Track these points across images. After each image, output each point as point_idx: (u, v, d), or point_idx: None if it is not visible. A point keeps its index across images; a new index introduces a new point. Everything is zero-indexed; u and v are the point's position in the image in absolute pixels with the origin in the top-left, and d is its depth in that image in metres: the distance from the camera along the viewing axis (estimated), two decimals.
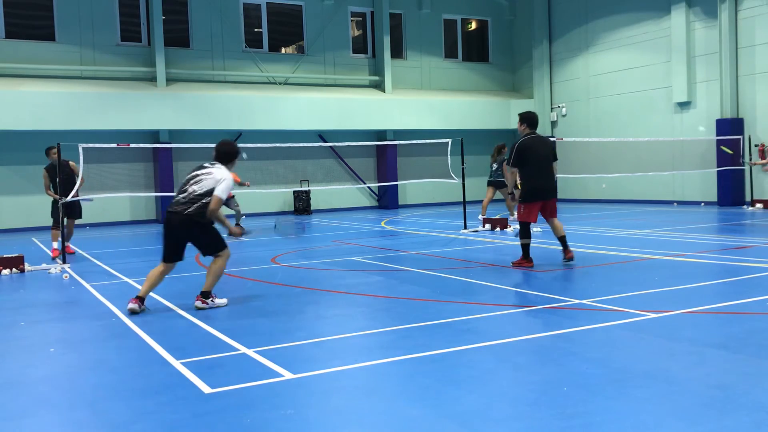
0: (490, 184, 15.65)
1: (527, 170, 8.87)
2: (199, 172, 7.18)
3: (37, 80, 18.92)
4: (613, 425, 3.52)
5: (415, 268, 9.20)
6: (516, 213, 9.45)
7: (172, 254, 7.11)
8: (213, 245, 7.12)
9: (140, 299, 6.87)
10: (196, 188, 6.98)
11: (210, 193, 6.92)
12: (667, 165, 20.11)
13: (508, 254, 10.24)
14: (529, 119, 9.06)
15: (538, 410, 3.77)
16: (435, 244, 11.93)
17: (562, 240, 8.97)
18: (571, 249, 9.04)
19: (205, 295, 6.98)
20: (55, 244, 11.74)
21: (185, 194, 7.02)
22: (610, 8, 22.08)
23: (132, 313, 6.74)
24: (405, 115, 22.86)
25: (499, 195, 16.48)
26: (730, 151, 18.01)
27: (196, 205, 6.92)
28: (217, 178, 7.00)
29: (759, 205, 17.68)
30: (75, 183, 11.74)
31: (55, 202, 11.75)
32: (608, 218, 16.32)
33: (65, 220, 11.49)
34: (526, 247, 8.95)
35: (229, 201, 14.75)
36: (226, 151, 7.34)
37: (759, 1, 18.22)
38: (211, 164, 7.28)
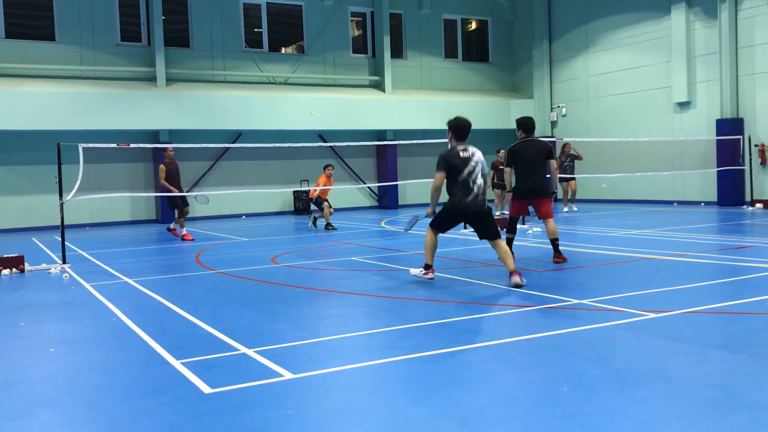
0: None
1: (517, 171, 9.46)
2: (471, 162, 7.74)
3: (37, 80, 18.92)
4: (613, 425, 3.52)
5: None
6: (505, 210, 9.93)
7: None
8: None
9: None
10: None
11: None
12: (667, 165, 20.12)
13: None
14: (523, 124, 9.55)
15: (538, 410, 3.77)
16: None
17: (554, 243, 9.31)
18: (563, 254, 9.29)
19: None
20: (184, 230, 14.51)
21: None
22: (610, 8, 22.09)
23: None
24: (405, 115, 22.86)
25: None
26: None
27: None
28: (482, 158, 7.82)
29: (759, 205, 17.68)
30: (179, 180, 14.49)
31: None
32: (608, 218, 16.31)
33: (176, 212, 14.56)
34: (509, 241, 9.39)
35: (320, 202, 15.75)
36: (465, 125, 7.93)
37: (759, 1, 18.23)
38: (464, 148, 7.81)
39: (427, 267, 8.12)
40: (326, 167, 16.19)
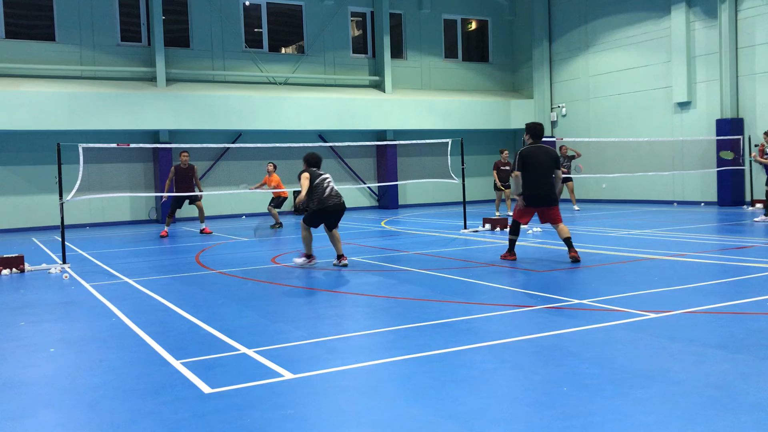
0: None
1: (526, 178, 9.45)
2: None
3: (37, 80, 18.92)
4: (613, 425, 3.52)
5: (415, 268, 9.20)
6: (510, 211, 9.98)
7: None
8: None
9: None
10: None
11: None
12: (667, 165, 20.12)
13: None
14: (532, 130, 9.64)
15: (538, 410, 3.77)
16: (435, 244, 11.93)
17: (567, 241, 9.34)
18: (576, 250, 9.28)
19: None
20: (167, 228, 15.58)
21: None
22: (610, 8, 22.09)
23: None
24: (405, 115, 22.86)
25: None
26: (730, 156, 17.90)
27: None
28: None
29: (759, 205, 17.67)
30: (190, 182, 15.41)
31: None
32: (608, 218, 16.31)
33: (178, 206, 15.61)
34: (512, 243, 9.68)
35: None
36: None
37: (759, 1, 18.23)
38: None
39: (309, 256, 9.90)
40: (268, 165, 17.11)
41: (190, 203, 15.90)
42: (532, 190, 9.37)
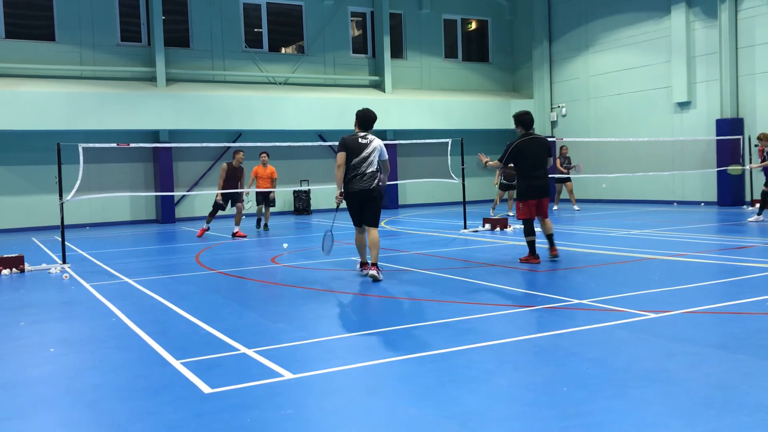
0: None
1: (523, 170, 9.27)
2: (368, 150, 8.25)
3: (37, 80, 18.92)
4: (613, 425, 3.52)
5: (415, 268, 9.20)
6: (511, 211, 9.92)
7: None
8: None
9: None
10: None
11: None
12: (667, 165, 20.12)
13: (508, 254, 10.25)
14: (522, 121, 9.38)
15: (538, 410, 3.77)
16: (435, 244, 11.93)
17: (550, 238, 9.40)
18: (557, 248, 9.43)
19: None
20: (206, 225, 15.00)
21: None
22: (610, 8, 22.09)
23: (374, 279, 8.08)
24: (405, 115, 22.86)
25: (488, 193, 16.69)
26: (739, 171, 17.48)
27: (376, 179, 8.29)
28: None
29: (759, 206, 17.65)
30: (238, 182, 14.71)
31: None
32: (608, 218, 16.31)
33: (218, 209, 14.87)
34: (531, 244, 9.27)
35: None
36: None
37: (759, 1, 18.23)
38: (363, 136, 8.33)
39: (362, 264, 8.79)
40: (260, 154, 16.19)
41: (231, 204, 15.00)
42: (531, 180, 9.17)
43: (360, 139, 8.25)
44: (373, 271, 8.12)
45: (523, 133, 9.33)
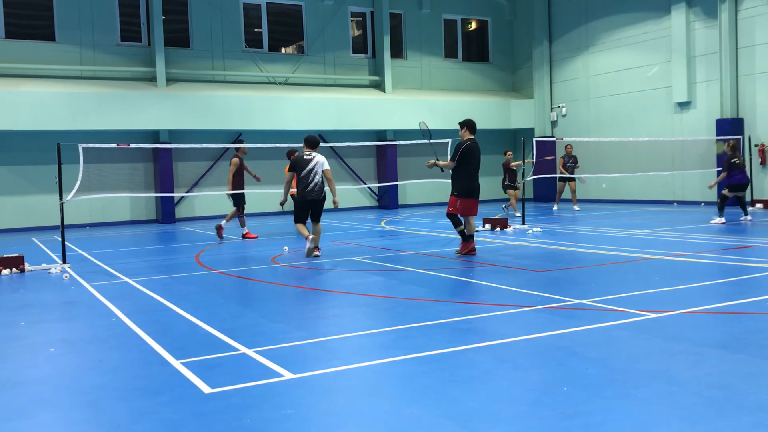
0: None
1: (466, 170, 10.18)
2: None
3: (37, 80, 18.92)
4: (613, 425, 3.52)
5: (415, 268, 9.20)
6: (450, 206, 10.33)
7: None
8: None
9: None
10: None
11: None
12: (667, 165, 20.12)
13: (508, 254, 10.26)
14: (470, 126, 10.38)
15: (538, 410, 3.77)
16: (435, 244, 11.93)
17: (472, 237, 10.20)
18: (475, 250, 10.15)
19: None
20: (245, 228, 14.45)
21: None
22: (610, 8, 22.09)
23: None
24: (405, 115, 22.85)
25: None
26: (723, 149, 17.42)
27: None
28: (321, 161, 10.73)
29: (759, 205, 17.68)
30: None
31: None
32: (608, 218, 16.31)
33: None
34: (462, 233, 10.26)
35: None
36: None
37: (759, 1, 18.23)
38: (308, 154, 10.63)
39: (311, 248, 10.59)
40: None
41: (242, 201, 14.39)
42: (473, 181, 10.15)
43: (305, 156, 10.81)
44: (316, 252, 10.58)
45: (469, 137, 10.19)
